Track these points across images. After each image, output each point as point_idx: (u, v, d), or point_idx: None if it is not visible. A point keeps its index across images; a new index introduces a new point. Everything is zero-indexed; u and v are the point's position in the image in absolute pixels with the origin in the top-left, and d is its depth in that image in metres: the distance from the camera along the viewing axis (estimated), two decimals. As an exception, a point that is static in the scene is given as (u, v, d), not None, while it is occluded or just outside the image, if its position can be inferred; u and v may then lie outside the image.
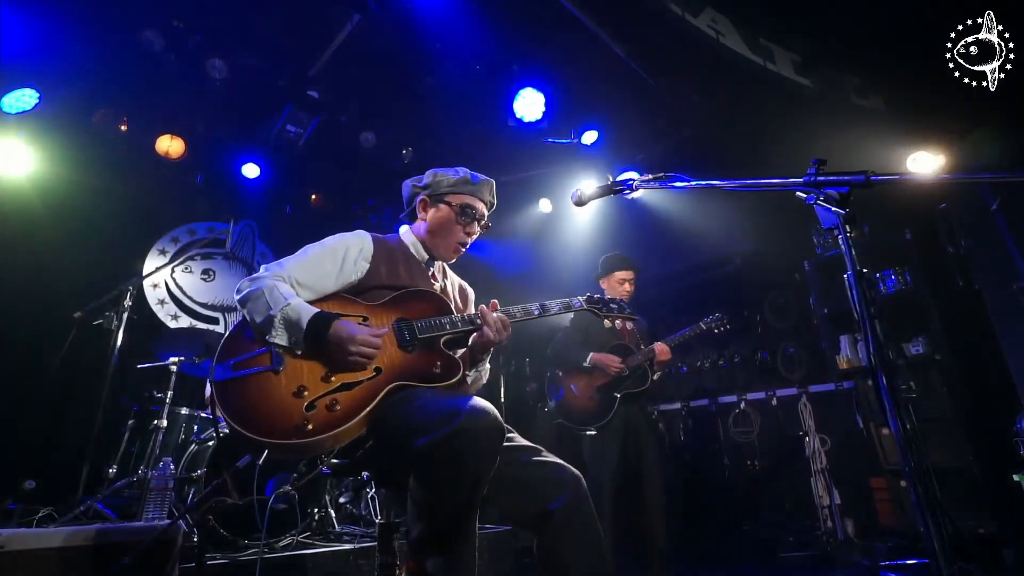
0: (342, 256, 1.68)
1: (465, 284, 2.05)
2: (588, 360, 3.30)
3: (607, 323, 2.05)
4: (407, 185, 1.97)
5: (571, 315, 3.56)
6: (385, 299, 1.68)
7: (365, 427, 1.46)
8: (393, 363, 1.55)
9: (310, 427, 1.35)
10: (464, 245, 1.86)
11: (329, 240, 1.72)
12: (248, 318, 1.51)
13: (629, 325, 3.25)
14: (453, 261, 1.92)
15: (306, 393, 1.41)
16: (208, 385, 1.40)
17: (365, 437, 1.50)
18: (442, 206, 1.84)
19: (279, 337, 1.46)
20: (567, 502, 1.48)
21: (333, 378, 1.46)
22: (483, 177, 1.91)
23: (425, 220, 1.87)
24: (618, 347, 3.37)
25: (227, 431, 1.40)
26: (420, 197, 1.89)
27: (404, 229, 1.95)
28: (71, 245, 4.32)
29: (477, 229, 1.86)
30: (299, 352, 1.47)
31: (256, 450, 1.36)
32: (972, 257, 3.57)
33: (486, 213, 1.89)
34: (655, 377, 3.32)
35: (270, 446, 1.35)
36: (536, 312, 1.77)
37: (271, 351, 1.46)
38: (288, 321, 1.46)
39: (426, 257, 1.88)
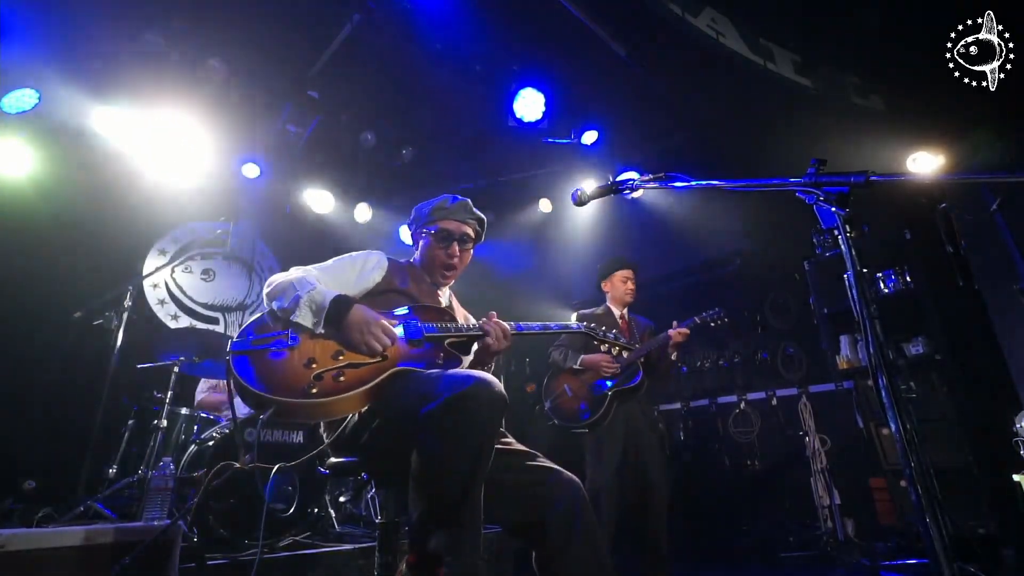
0: (361, 265, 1.85)
1: (470, 316, 2.09)
2: (579, 363, 3.31)
3: (603, 348, 2.11)
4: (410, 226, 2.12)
5: (573, 316, 3.59)
6: (398, 307, 1.79)
7: (367, 403, 1.53)
8: (400, 352, 1.64)
9: (314, 391, 1.46)
10: (450, 267, 1.95)
11: (353, 254, 1.89)
12: (275, 305, 1.60)
13: (625, 353, 3.22)
14: (450, 283, 2.03)
15: (315, 365, 1.52)
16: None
17: (371, 417, 1.56)
18: (424, 236, 1.99)
19: (303, 317, 1.56)
20: (563, 508, 1.48)
21: (342, 357, 1.56)
22: (457, 200, 2.00)
23: (419, 251, 2.03)
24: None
25: (243, 415, 1.46)
26: (412, 232, 2.07)
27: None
28: (71, 245, 4.32)
29: (457, 249, 1.94)
30: (319, 331, 1.57)
31: (260, 407, 1.43)
32: (972, 257, 3.57)
33: (466, 231, 1.96)
34: (673, 357, 3.30)
35: (274, 403, 1.43)
36: (537, 329, 1.87)
37: (289, 332, 1.57)
38: (313, 302, 1.57)
39: (433, 279, 2.00)
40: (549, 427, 3.46)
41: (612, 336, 2.08)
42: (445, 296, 2.04)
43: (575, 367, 3.32)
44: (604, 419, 3.16)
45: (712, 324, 3.37)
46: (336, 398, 1.47)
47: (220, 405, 3.73)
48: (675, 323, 3.28)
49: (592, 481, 3.06)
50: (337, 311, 1.56)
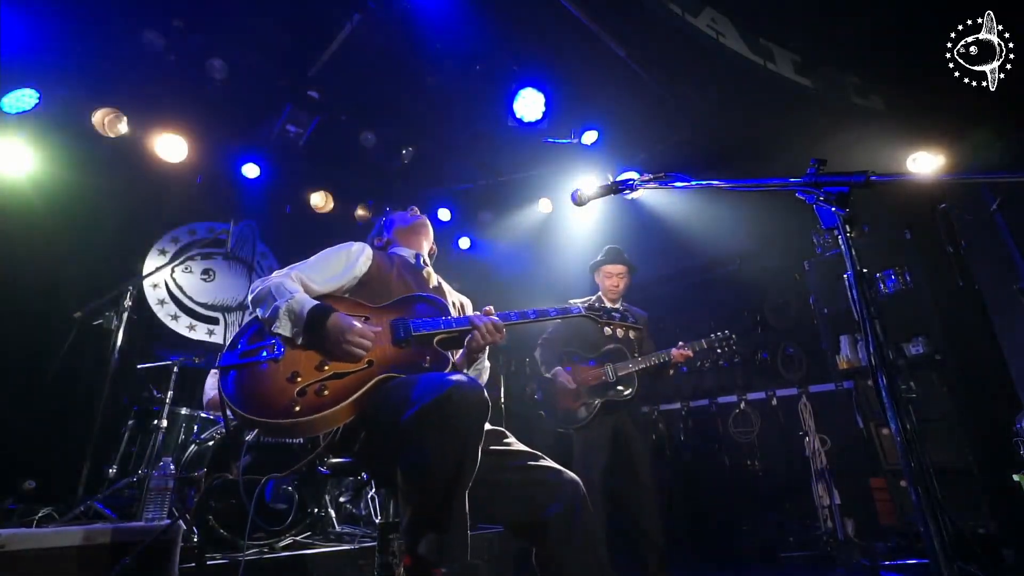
0: (346, 254, 1.87)
1: (464, 298, 2.15)
2: (552, 372, 3.32)
3: (607, 330, 2.05)
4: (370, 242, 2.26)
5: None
6: (387, 302, 1.77)
7: (354, 414, 1.50)
8: (385, 356, 1.62)
9: (297, 409, 1.43)
10: (419, 220, 2.19)
11: (336, 246, 1.92)
12: (259, 313, 1.61)
13: (632, 333, 3.23)
14: (428, 241, 2.18)
15: (299, 379, 1.49)
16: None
17: (358, 427, 1.53)
18: (391, 220, 2.21)
19: (282, 327, 1.55)
20: (563, 508, 1.49)
21: (326, 367, 1.54)
22: None
23: (391, 239, 2.18)
24: (614, 351, 3.36)
25: (234, 422, 1.49)
26: (378, 240, 2.21)
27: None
28: (71, 245, 4.32)
29: (418, 212, 2.23)
30: (300, 342, 1.55)
31: (247, 427, 1.43)
32: (972, 257, 3.57)
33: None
34: (671, 373, 3.32)
35: (259, 424, 1.43)
36: (533, 317, 1.82)
37: (275, 342, 1.55)
38: (291, 312, 1.56)
39: (414, 253, 2.10)
40: (552, 425, 3.46)
41: (617, 317, 2.00)
42: (433, 277, 2.07)
43: (547, 375, 3.34)
44: (591, 423, 3.17)
45: (719, 349, 3.36)
46: (320, 415, 1.43)
47: None
48: (681, 343, 3.30)
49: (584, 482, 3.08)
50: (314, 321, 1.54)
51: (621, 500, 3.13)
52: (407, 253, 2.08)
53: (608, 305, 3.45)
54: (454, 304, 2.05)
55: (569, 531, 1.47)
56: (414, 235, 2.13)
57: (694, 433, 5.28)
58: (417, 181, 5.61)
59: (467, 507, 1.31)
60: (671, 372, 3.35)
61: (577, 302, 3.45)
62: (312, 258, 1.83)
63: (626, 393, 3.21)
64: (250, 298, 1.66)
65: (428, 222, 2.21)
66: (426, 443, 1.27)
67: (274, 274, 1.73)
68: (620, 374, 3.24)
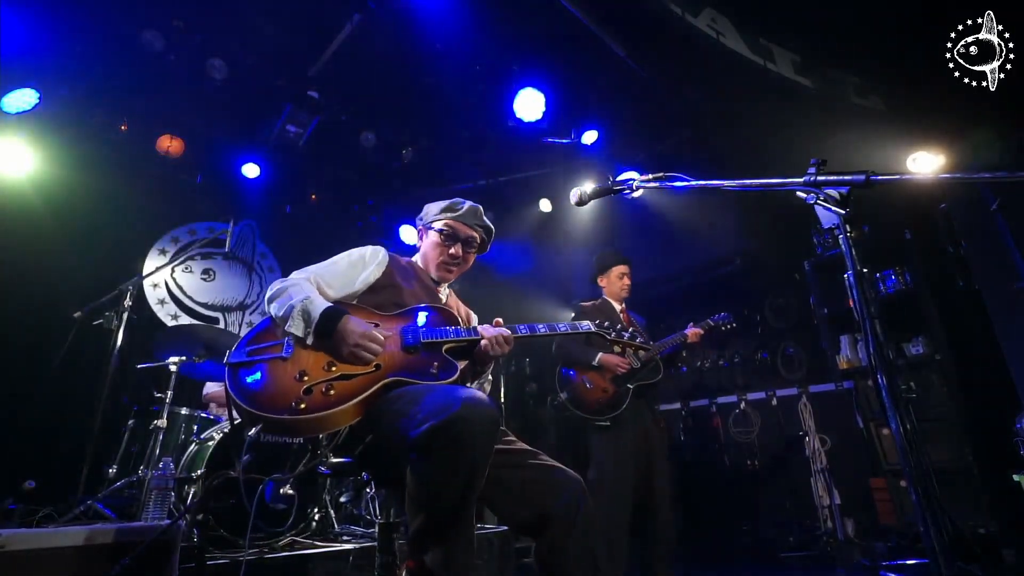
0: (361, 260, 1.88)
1: (472, 312, 2.13)
2: (596, 360, 3.32)
3: (616, 348, 2.03)
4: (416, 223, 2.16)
5: (575, 312, 3.58)
6: (397, 311, 1.79)
7: (359, 415, 1.51)
8: (394, 361, 1.62)
9: (303, 406, 1.44)
10: (449, 265, 1.98)
11: (352, 251, 1.91)
12: (273, 311, 1.65)
13: (649, 346, 3.25)
14: (448, 280, 2.03)
15: (306, 378, 1.51)
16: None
17: (364, 431, 1.54)
18: (431, 232, 2.01)
19: (295, 327, 1.58)
20: (564, 505, 1.50)
21: (334, 368, 1.55)
22: (468, 205, 2.03)
23: (420, 246, 2.08)
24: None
25: (238, 419, 1.50)
26: (418, 228, 2.10)
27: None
28: (71, 245, 4.32)
29: (460, 250, 1.97)
30: (310, 342, 1.58)
31: (251, 424, 1.45)
32: (972, 257, 3.57)
33: (472, 235, 2.00)
34: (684, 355, 3.44)
35: (262, 420, 1.44)
36: (542, 331, 1.82)
37: (284, 342, 1.58)
38: (305, 312, 1.59)
39: (432, 274, 2.03)
40: (553, 422, 3.46)
41: (627, 336, 2.00)
42: (444, 293, 2.04)
43: (593, 364, 3.33)
44: (624, 412, 3.20)
45: (723, 328, 3.47)
46: (325, 413, 1.45)
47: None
48: (691, 324, 3.38)
49: (606, 474, 3.11)
50: (326, 323, 1.57)
51: (641, 499, 3.14)
52: (422, 271, 2.02)
53: (616, 307, 3.49)
54: (462, 317, 2.05)
55: (570, 527, 1.49)
56: (433, 266, 1.98)
57: (694, 433, 5.28)
58: (417, 181, 5.62)
59: (474, 520, 1.33)
60: (684, 354, 3.41)
61: (586, 306, 3.50)
62: (330, 260, 1.86)
63: (654, 377, 3.28)
64: (267, 295, 1.70)
65: (464, 267, 2.03)
66: (436, 461, 1.29)
67: (293, 274, 1.78)
68: (643, 359, 3.29)
